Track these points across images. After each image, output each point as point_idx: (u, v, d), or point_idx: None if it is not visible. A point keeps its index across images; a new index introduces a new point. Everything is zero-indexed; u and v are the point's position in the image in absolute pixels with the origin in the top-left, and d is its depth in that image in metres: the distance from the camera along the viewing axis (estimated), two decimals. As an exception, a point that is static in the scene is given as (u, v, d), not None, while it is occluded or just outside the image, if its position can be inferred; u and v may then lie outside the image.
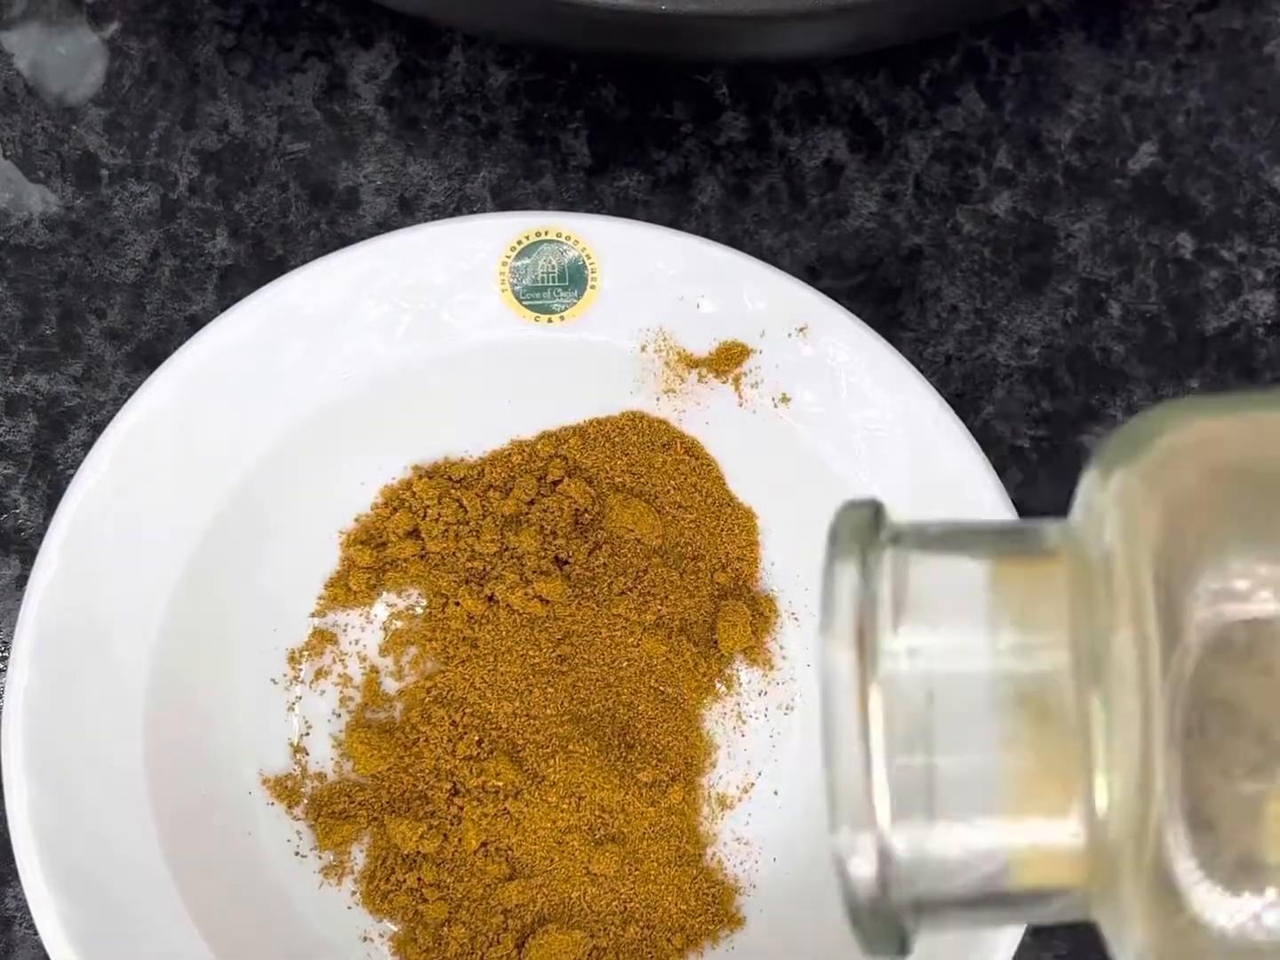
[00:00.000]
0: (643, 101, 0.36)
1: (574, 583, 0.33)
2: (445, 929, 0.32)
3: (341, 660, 0.33)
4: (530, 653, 0.33)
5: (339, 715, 0.33)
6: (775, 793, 0.33)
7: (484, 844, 0.32)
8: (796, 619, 0.33)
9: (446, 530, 0.33)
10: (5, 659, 0.34)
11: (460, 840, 0.32)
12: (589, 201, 0.36)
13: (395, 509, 0.33)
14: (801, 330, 0.31)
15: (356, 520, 0.34)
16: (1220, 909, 0.13)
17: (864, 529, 0.16)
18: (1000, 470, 0.31)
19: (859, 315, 0.31)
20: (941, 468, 0.31)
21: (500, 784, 0.32)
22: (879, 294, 0.35)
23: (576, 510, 0.33)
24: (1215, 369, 0.35)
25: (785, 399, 0.32)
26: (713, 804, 0.33)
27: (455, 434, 0.34)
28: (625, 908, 0.32)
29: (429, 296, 0.32)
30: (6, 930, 0.33)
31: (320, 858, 0.32)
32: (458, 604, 0.33)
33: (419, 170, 0.36)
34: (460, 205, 0.36)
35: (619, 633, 0.33)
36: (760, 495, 0.33)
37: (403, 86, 0.36)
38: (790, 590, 0.33)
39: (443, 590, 0.33)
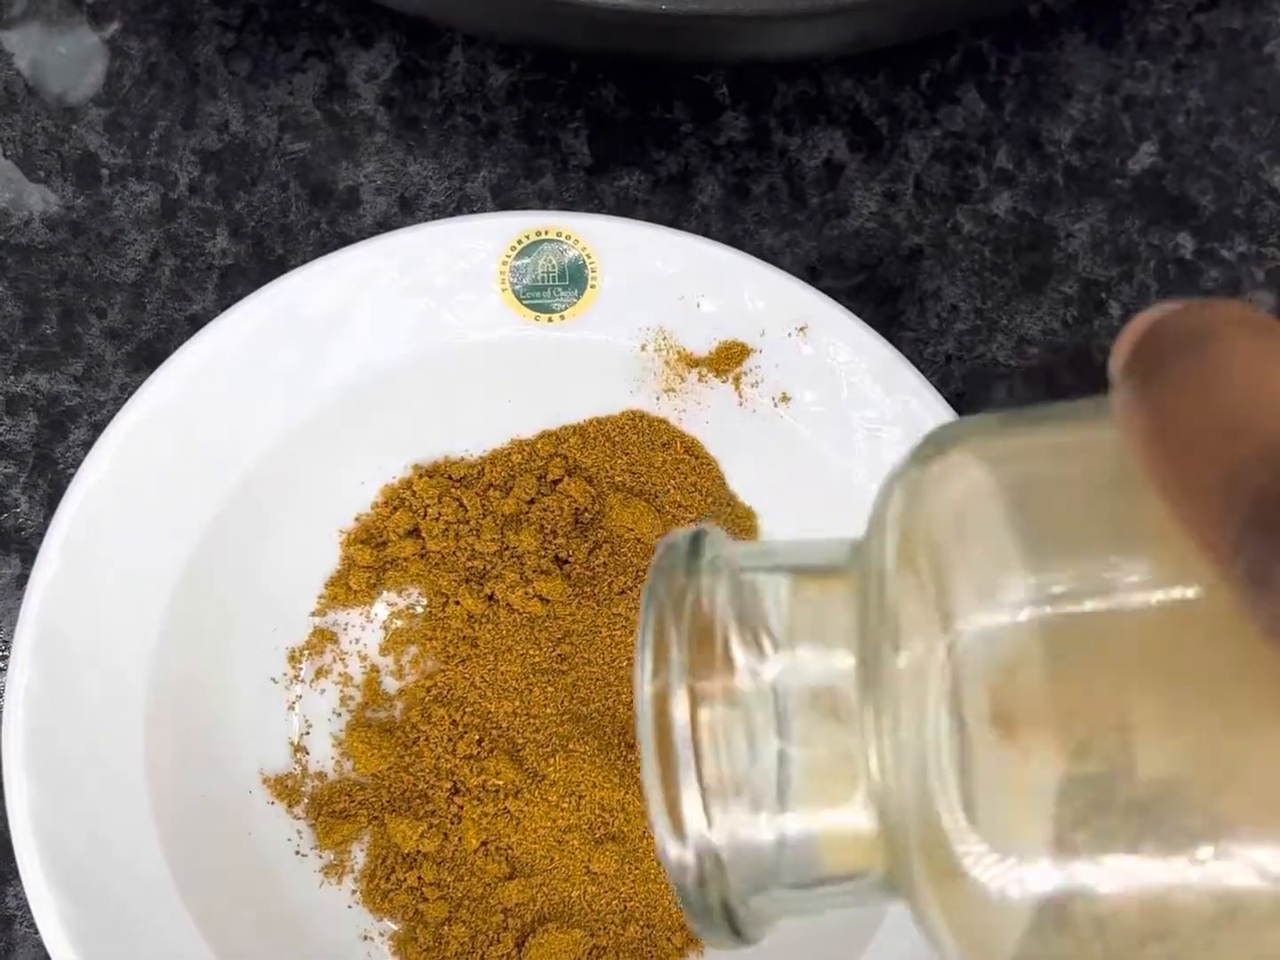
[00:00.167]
0: (643, 101, 0.36)
1: (574, 582, 0.33)
2: (445, 928, 0.32)
3: (342, 659, 0.33)
4: (530, 652, 0.33)
5: (339, 714, 0.33)
6: (775, 792, 0.33)
7: (484, 843, 0.32)
8: (796, 619, 0.33)
9: (446, 529, 0.33)
10: (5, 659, 0.34)
11: (460, 839, 0.32)
12: (589, 201, 0.36)
13: (395, 508, 0.33)
14: (801, 330, 0.31)
15: (357, 519, 0.34)
16: (989, 874, 0.15)
17: (679, 556, 0.17)
18: (1000, 470, 0.31)
19: (859, 315, 0.31)
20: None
21: (500, 783, 0.32)
22: (879, 294, 0.35)
23: (576, 509, 0.33)
24: (1215, 369, 0.35)
25: (785, 398, 0.32)
26: (713, 803, 0.33)
27: (455, 433, 0.34)
28: (625, 907, 0.32)
29: (429, 296, 0.32)
30: (7, 929, 0.33)
31: (320, 857, 0.32)
32: (458, 603, 0.33)
33: (419, 170, 0.36)
34: (460, 205, 0.36)
35: (619, 632, 0.33)
36: (760, 495, 0.33)
37: (403, 86, 0.36)
38: (790, 590, 0.33)
39: (443, 589, 0.33)
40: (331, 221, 0.36)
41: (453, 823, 0.32)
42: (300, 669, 0.33)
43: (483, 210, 0.36)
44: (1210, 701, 0.14)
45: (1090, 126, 0.36)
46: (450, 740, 0.33)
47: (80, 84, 0.36)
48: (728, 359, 0.32)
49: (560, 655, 0.33)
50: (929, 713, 0.15)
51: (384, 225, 0.35)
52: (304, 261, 0.32)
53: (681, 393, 0.33)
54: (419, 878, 0.32)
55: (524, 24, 0.32)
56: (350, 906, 0.32)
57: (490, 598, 0.33)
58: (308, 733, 0.33)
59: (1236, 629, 0.13)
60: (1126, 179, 0.36)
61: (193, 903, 0.30)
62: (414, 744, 0.33)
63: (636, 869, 0.32)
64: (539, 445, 0.33)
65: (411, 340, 0.32)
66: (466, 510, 0.33)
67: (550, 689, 0.33)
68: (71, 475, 0.31)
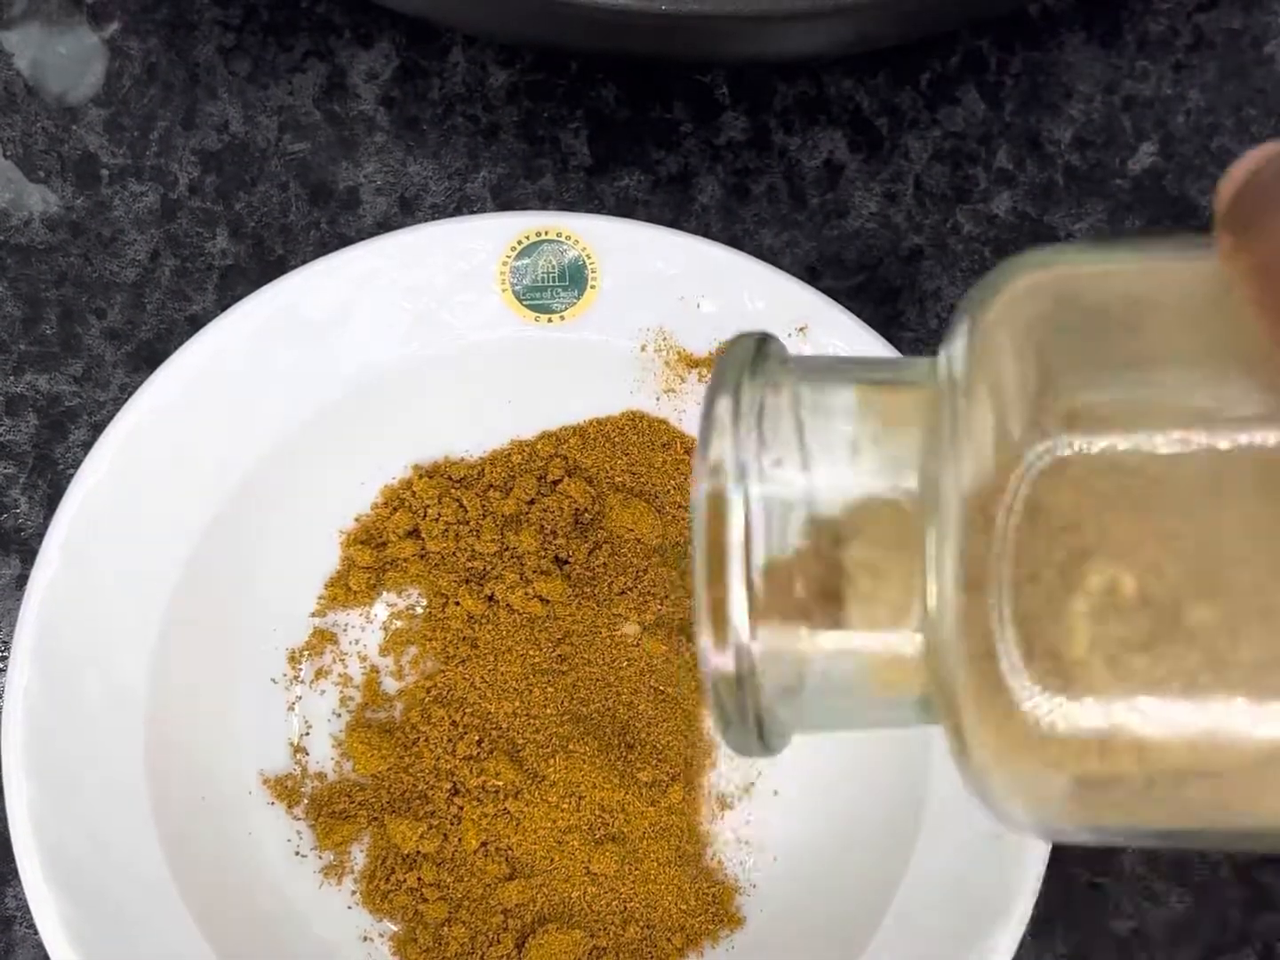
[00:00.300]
0: (643, 101, 0.36)
1: (574, 582, 0.33)
2: (445, 929, 0.32)
3: (342, 660, 0.33)
4: (530, 652, 0.33)
5: (339, 715, 0.33)
6: (775, 793, 0.33)
7: (484, 844, 0.32)
8: (796, 619, 0.33)
9: (446, 530, 0.33)
10: (5, 659, 0.34)
11: (460, 840, 0.32)
12: (589, 201, 0.36)
13: (395, 509, 0.33)
14: (801, 330, 0.31)
15: (356, 520, 0.34)
16: (1038, 701, 0.14)
17: (745, 360, 0.17)
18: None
19: (859, 315, 0.31)
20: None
21: (500, 784, 0.32)
22: (879, 294, 0.35)
23: (576, 510, 0.33)
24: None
25: (785, 399, 0.32)
26: (713, 804, 0.33)
27: (455, 434, 0.34)
28: (625, 907, 0.32)
29: (429, 296, 0.32)
30: (6, 930, 0.33)
31: (320, 857, 0.32)
32: (458, 604, 0.33)
33: (419, 170, 0.36)
34: (460, 205, 0.36)
35: (619, 632, 0.33)
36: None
37: (403, 86, 0.36)
38: (790, 590, 0.33)
39: (443, 590, 0.33)
40: (331, 221, 0.36)
41: (452, 823, 0.32)
42: (300, 670, 0.33)
43: (483, 210, 0.36)
44: None
45: (1090, 126, 0.36)
46: (450, 741, 0.33)
47: (80, 84, 0.36)
48: (728, 359, 0.32)
49: (560, 656, 0.33)
50: (996, 531, 0.14)
51: (384, 225, 0.35)
52: (304, 261, 0.32)
53: (681, 393, 0.33)
54: (419, 878, 0.32)
55: (524, 24, 0.32)
56: (350, 907, 0.32)
57: (490, 598, 0.33)
58: (307, 733, 0.33)
59: None
60: (1126, 179, 0.36)
61: (193, 903, 0.30)
62: (414, 744, 0.33)
63: (636, 869, 0.32)
64: (539, 446, 0.33)
65: (411, 340, 0.32)
66: (466, 511, 0.33)
67: (550, 689, 0.33)
68: (71, 475, 0.31)
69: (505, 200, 0.36)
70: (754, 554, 0.16)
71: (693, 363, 0.32)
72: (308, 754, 0.33)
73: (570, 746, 0.32)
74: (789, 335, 0.32)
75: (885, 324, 0.35)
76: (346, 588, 0.33)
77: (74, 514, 0.30)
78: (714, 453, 0.16)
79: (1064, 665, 0.14)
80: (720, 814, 0.33)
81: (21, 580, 0.34)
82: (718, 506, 0.16)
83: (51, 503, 0.34)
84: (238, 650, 0.33)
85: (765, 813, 0.33)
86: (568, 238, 0.32)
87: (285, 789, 0.33)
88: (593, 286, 0.32)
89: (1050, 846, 0.29)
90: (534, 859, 0.32)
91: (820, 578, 0.16)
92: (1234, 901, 0.34)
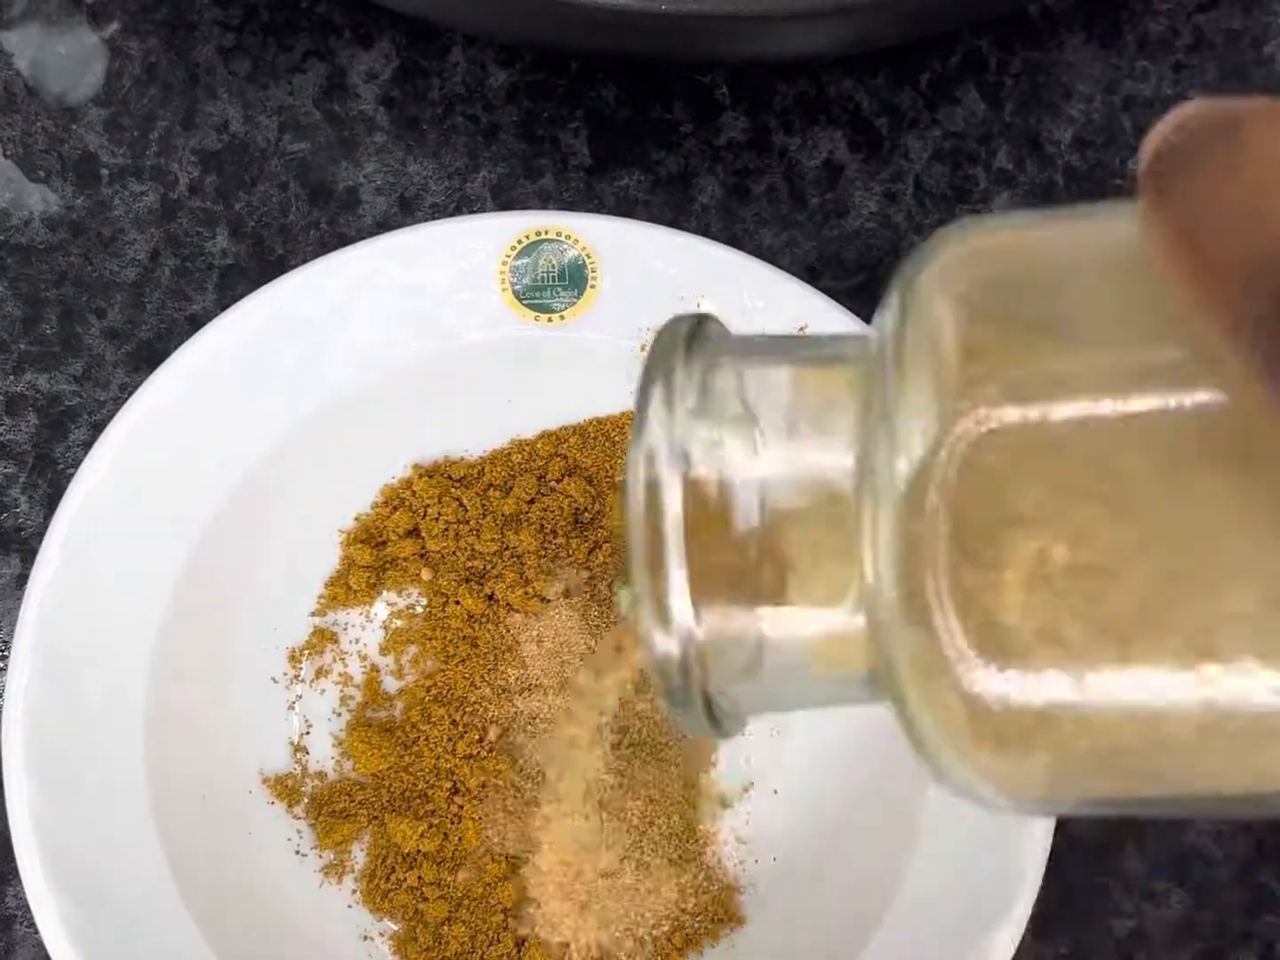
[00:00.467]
0: (643, 101, 0.36)
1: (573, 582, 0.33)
2: (445, 928, 0.32)
3: (342, 659, 0.33)
4: (531, 651, 0.33)
5: (339, 714, 0.33)
6: (775, 792, 0.33)
7: (484, 843, 0.32)
8: (796, 619, 0.33)
9: (446, 529, 0.33)
10: (5, 659, 0.34)
11: (460, 839, 0.32)
12: (589, 201, 0.36)
13: (395, 508, 0.33)
14: (801, 330, 0.31)
15: (356, 519, 0.34)
16: (976, 672, 0.14)
17: (681, 340, 0.17)
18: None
19: (859, 315, 0.31)
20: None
21: (500, 783, 0.32)
22: (879, 294, 0.35)
23: (576, 509, 0.33)
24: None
25: (785, 399, 0.32)
26: (713, 804, 0.33)
27: (455, 433, 0.34)
28: (626, 907, 0.32)
29: (429, 296, 0.32)
30: (7, 929, 0.33)
31: (320, 857, 0.32)
32: (458, 603, 0.33)
33: (419, 170, 0.36)
34: (460, 205, 0.36)
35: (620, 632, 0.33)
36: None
37: (403, 86, 0.36)
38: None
39: (443, 589, 0.33)
40: (331, 221, 0.36)
41: (453, 823, 0.32)
42: (300, 669, 0.33)
43: (483, 210, 0.36)
44: (1220, 506, 0.14)
45: (1090, 126, 0.36)
46: (450, 740, 0.33)
47: (80, 84, 0.36)
48: (728, 359, 0.32)
49: (561, 654, 0.33)
50: (928, 506, 0.14)
51: (384, 225, 0.35)
52: (304, 261, 0.32)
53: (681, 393, 0.33)
54: (419, 878, 0.32)
55: (524, 24, 0.32)
56: (350, 906, 0.32)
57: (490, 598, 0.33)
58: (308, 732, 0.33)
59: (1250, 434, 0.13)
60: (1126, 179, 0.36)
61: (193, 903, 0.30)
62: (414, 744, 0.33)
63: (637, 869, 0.32)
64: (539, 445, 0.33)
65: (411, 340, 0.32)
66: (466, 510, 0.33)
67: (551, 688, 0.33)
68: (71, 475, 0.31)
69: (505, 200, 0.36)
70: (692, 536, 0.16)
71: (693, 362, 0.32)
72: (308, 753, 0.33)
73: (572, 744, 0.32)
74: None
75: (885, 324, 0.35)
76: (346, 587, 0.33)
77: (74, 514, 0.30)
78: (649, 435, 0.16)
79: (1000, 636, 0.14)
80: (720, 814, 0.33)
81: (21, 580, 0.34)
82: (654, 489, 0.16)
83: (51, 503, 0.34)
84: (238, 650, 0.33)
85: (765, 812, 0.33)
86: (568, 237, 0.32)
87: (285, 788, 0.33)
88: (593, 286, 0.32)
89: (1050, 846, 0.29)
90: (533, 858, 0.32)
91: (761, 558, 0.16)
92: (1234, 901, 0.34)
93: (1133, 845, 0.34)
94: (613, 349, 0.32)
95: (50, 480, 0.35)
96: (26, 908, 0.30)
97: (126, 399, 0.31)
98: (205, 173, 0.36)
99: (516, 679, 0.33)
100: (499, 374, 0.33)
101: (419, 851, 0.32)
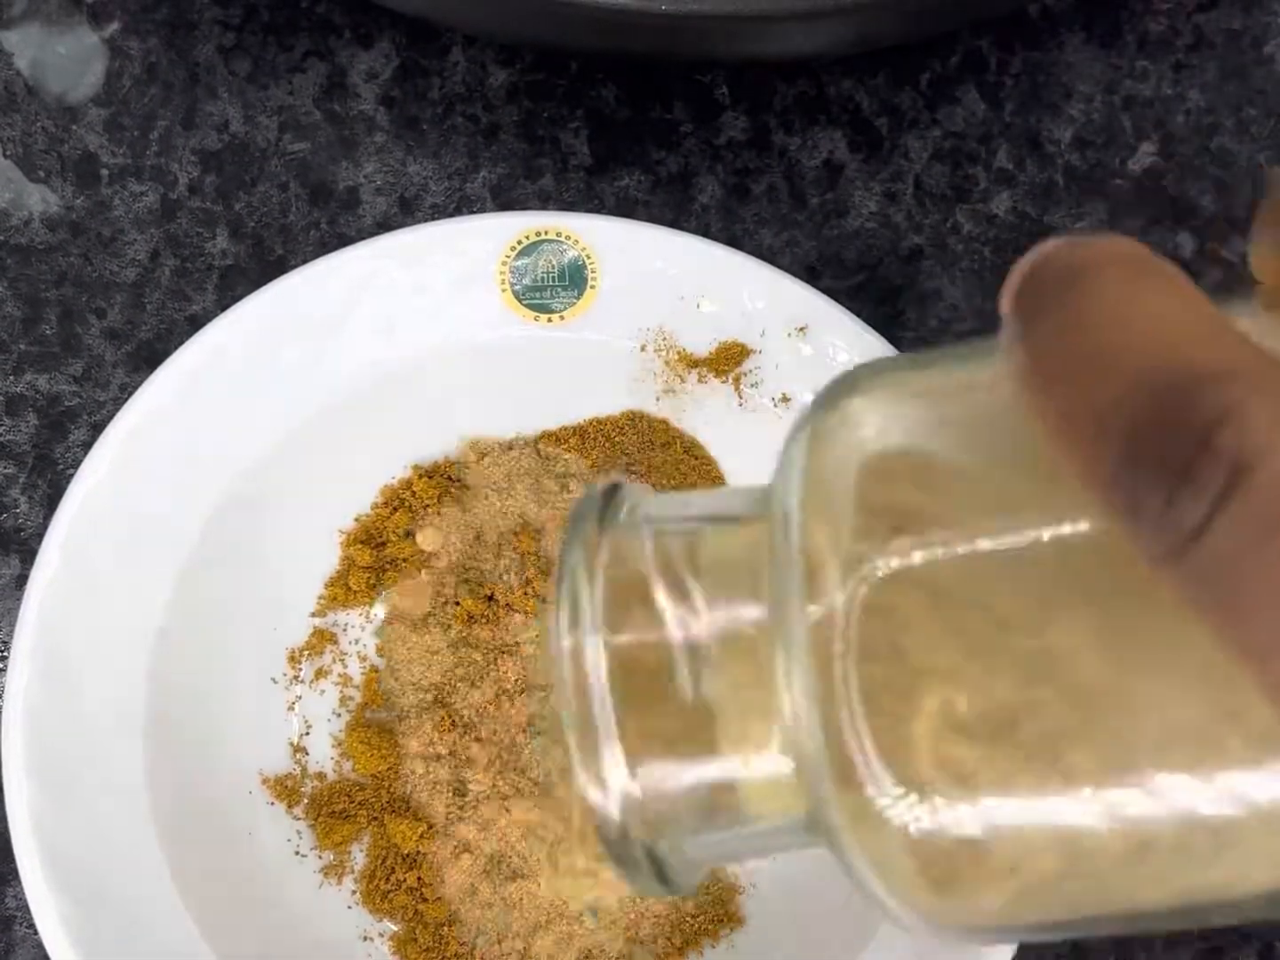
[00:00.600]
0: (643, 101, 0.36)
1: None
2: (445, 928, 0.32)
3: (341, 660, 0.33)
4: (531, 651, 0.33)
5: (339, 715, 0.33)
6: (775, 792, 0.33)
7: (484, 843, 0.32)
8: (796, 619, 0.33)
9: (446, 530, 0.33)
10: (5, 659, 0.34)
11: (461, 840, 0.32)
12: (589, 201, 0.36)
13: (395, 508, 0.33)
14: (801, 330, 0.31)
15: (356, 520, 0.34)
16: (900, 812, 0.15)
17: (594, 511, 0.17)
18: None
19: (859, 315, 0.31)
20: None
21: (501, 783, 0.32)
22: (879, 294, 0.35)
23: (576, 510, 0.33)
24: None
25: (785, 399, 0.32)
26: (713, 804, 0.33)
27: (455, 433, 0.34)
28: (626, 906, 0.32)
29: (429, 296, 0.32)
30: (6, 930, 0.33)
31: (320, 857, 0.32)
32: (458, 603, 0.33)
33: (419, 170, 0.36)
34: (460, 205, 0.36)
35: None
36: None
37: (403, 86, 0.36)
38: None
39: (443, 590, 0.33)
40: (331, 221, 0.36)
41: (453, 823, 0.32)
42: (300, 669, 0.33)
43: (483, 210, 0.36)
44: (1108, 637, 0.14)
45: (1090, 126, 0.36)
46: (450, 741, 0.33)
47: (80, 84, 0.36)
48: (728, 359, 0.32)
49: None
50: (835, 657, 0.15)
51: (384, 225, 0.35)
52: (304, 261, 0.32)
53: (681, 393, 0.33)
54: (419, 878, 0.32)
55: (524, 24, 0.32)
56: (350, 907, 0.32)
57: (490, 598, 0.33)
58: (307, 733, 0.33)
59: (1128, 565, 0.13)
60: (1126, 179, 0.36)
61: (193, 903, 0.30)
62: (414, 744, 0.33)
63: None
64: (539, 446, 0.34)
65: (411, 340, 0.32)
66: (466, 511, 0.33)
67: (551, 689, 0.33)
68: (71, 475, 0.31)
69: (505, 200, 0.36)
70: (622, 700, 0.16)
71: (693, 363, 0.32)
72: (308, 754, 0.33)
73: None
74: (789, 335, 0.32)
75: (885, 324, 0.35)
76: (346, 587, 0.33)
77: (74, 514, 0.30)
78: (570, 606, 0.16)
79: (918, 783, 0.15)
80: (720, 814, 0.33)
81: (21, 580, 0.34)
82: (579, 659, 0.16)
83: (51, 503, 0.34)
84: (238, 650, 0.33)
85: (765, 813, 0.33)
86: (568, 238, 0.32)
87: (285, 789, 0.33)
88: (592, 286, 0.32)
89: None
90: (535, 858, 0.32)
91: (690, 714, 0.16)
92: (1234, 901, 0.34)
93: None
94: (613, 349, 0.32)
95: (50, 480, 0.35)
96: (26, 908, 0.30)
97: (126, 399, 0.31)
98: (205, 173, 0.36)
99: (516, 679, 0.33)
100: (499, 374, 0.33)
101: (419, 852, 0.32)
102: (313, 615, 0.34)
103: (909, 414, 0.16)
